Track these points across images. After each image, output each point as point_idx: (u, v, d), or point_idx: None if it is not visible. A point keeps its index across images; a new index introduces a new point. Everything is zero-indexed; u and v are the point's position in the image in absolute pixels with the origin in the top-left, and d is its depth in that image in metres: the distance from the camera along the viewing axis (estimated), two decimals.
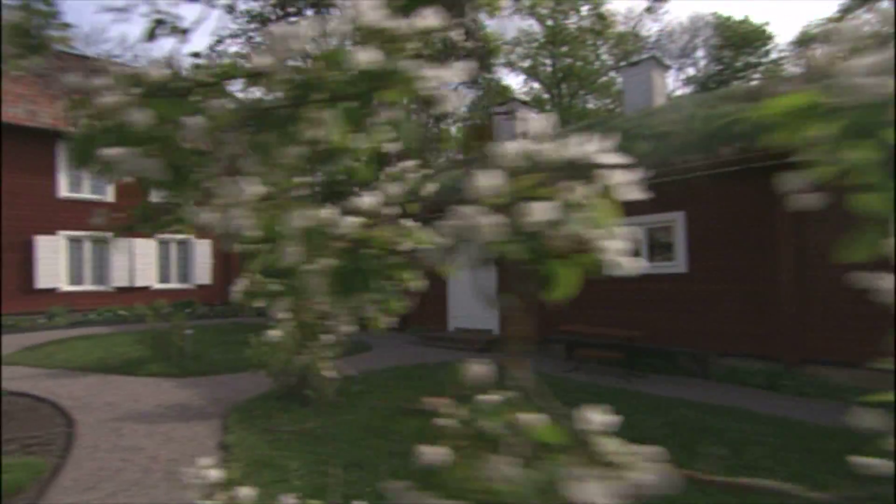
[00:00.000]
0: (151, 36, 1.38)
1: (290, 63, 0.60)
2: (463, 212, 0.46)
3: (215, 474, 0.89)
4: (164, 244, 17.92)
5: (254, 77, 0.62)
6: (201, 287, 18.57)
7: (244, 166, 0.60)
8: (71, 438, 5.60)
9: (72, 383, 8.15)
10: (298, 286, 0.66)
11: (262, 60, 0.59)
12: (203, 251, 18.64)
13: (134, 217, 1.23)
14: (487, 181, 0.47)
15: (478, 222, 0.45)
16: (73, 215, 15.88)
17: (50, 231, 15.61)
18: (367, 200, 0.68)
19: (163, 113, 0.56)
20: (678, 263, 8.94)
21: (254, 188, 0.58)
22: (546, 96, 32.29)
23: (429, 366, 9.02)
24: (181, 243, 18.38)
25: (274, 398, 6.83)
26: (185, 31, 1.44)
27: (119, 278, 16.92)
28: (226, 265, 19.17)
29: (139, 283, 17.25)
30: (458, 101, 0.55)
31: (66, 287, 15.98)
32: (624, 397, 7.09)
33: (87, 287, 16.49)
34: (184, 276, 18.45)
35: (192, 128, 0.56)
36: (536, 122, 0.49)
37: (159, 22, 1.37)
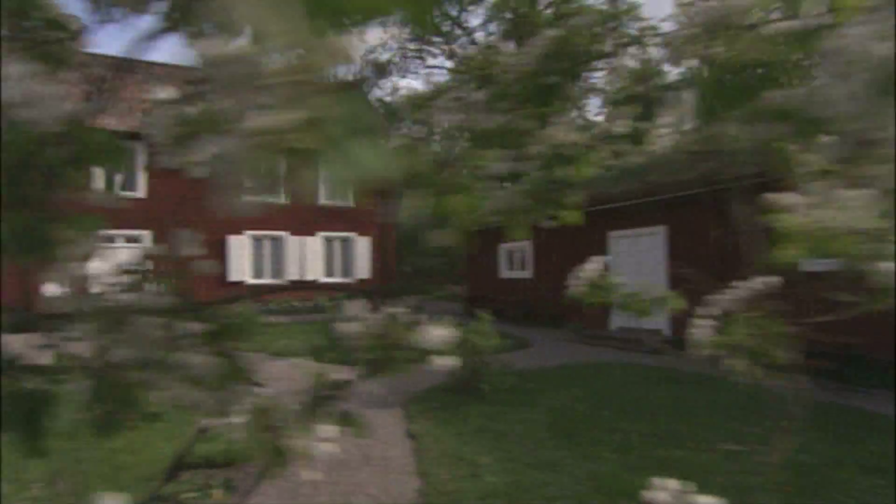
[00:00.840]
0: None
1: None
2: None
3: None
4: (329, 241, 19.54)
5: None
6: (361, 281, 19.94)
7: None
8: None
9: (267, 366, 9.12)
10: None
11: None
12: (363, 247, 19.99)
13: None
14: None
15: None
16: (254, 217, 18.04)
17: (238, 231, 17.84)
18: None
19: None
20: None
21: None
22: None
23: (595, 365, 8.59)
24: (344, 240, 19.88)
25: (449, 391, 6.94)
26: None
27: (292, 272, 18.82)
28: (383, 260, 20.35)
29: (308, 276, 19.02)
30: None
31: (250, 280, 18.18)
32: (839, 415, 6.04)
33: (267, 280, 18.61)
34: (346, 270, 19.95)
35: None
36: None
37: None
